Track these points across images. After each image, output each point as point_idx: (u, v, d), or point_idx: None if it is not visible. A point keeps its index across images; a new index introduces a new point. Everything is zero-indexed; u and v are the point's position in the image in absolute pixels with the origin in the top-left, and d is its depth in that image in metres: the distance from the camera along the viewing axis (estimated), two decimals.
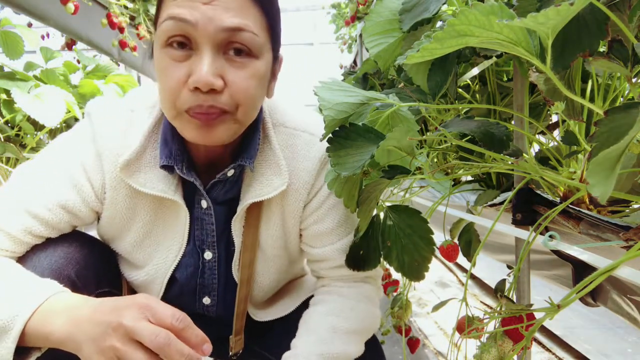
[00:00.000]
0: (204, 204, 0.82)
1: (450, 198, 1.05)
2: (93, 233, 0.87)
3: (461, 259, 1.31)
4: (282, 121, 0.84)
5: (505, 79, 0.97)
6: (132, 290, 0.91)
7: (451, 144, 0.75)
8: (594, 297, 0.74)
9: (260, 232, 0.86)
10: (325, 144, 0.67)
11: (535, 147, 0.83)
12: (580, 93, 0.63)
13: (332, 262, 0.87)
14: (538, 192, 0.70)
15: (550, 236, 0.60)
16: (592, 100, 0.67)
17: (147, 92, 0.84)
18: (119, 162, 0.75)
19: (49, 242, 0.78)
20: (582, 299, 0.73)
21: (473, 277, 2.96)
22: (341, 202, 0.82)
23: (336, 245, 0.85)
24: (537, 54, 0.43)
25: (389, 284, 1.34)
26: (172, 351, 0.54)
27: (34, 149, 2.01)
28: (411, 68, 0.73)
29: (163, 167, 0.75)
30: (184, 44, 0.66)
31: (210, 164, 0.81)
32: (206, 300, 0.90)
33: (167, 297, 0.88)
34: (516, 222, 0.71)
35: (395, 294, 1.10)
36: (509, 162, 0.62)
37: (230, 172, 0.79)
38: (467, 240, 0.99)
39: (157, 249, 0.84)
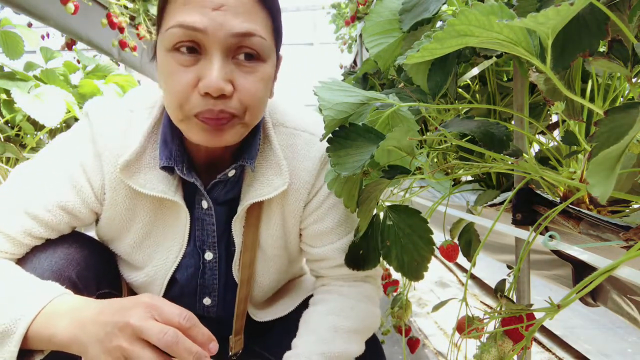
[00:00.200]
0: (204, 204, 0.82)
1: (450, 198, 1.05)
2: (92, 234, 0.87)
3: (461, 259, 1.31)
4: (282, 121, 0.84)
5: (505, 79, 0.97)
6: (132, 291, 0.91)
7: (451, 144, 0.75)
8: (594, 297, 0.74)
9: (260, 232, 0.86)
10: (326, 144, 0.67)
11: (535, 147, 0.83)
12: (580, 93, 0.63)
13: (332, 261, 0.87)
14: (538, 192, 0.70)
15: (550, 236, 0.60)
16: (592, 100, 0.67)
17: (146, 92, 0.84)
18: (118, 162, 0.74)
19: (48, 244, 0.77)
20: (582, 299, 0.73)
21: (473, 277, 2.96)
22: (341, 201, 0.82)
23: (336, 244, 0.85)
24: (537, 54, 0.43)
25: (389, 284, 1.34)
26: (180, 349, 0.54)
27: (34, 149, 2.01)
28: (411, 68, 0.73)
29: (163, 168, 0.75)
30: (193, 48, 0.65)
31: (211, 164, 0.81)
32: (206, 301, 0.90)
33: (167, 298, 0.88)
34: (516, 222, 0.71)
35: (395, 294, 1.10)
36: (509, 162, 0.62)
37: (231, 173, 0.79)
38: (467, 240, 0.99)
39: (157, 250, 0.84)
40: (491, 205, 0.84)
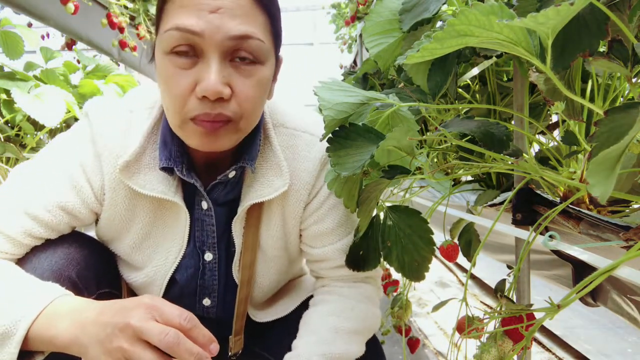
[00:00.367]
0: (204, 205, 0.82)
1: (450, 198, 1.05)
2: (92, 234, 0.87)
3: (461, 259, 1.31)
4: (282, 122, 0.84)
5: (505, 79, 0.97)
6: (132, 291, 0.91)
7: (451, 144, 0.75)
8: (594, 297, 0.74)
9: (260, 232, 0.85)
10: (326, 145, 0.67)
11: (535, 147, 0.83)
12: (580, 93, 0.63)
13: (332, 262, 0.87)
14: (538, 192, 0.70)
15: (550, 236, 0.60)
16: (592, 100, 0.67)
17: (145, 92, 0.83)
18: (118, 163, 0.74)
19: (48, 243, 0.77)
20: (582, 299, 0.73)
21: (473, 277, 2.96)
22: (341, 202, 0.82)
23: (336, 245, 0.85)
24: (537, 54, 0.43)
25: (389, 284, 1.34)
26: (181, 350, 0.54)
27: (34, 149, 2.01)
28: (411, 68, 0.73)
29: (163, 168, 0.75)
30: (190, 51, 0.65)
31: (211, 165, 0.81)
32: (206, 302, 0.90)
33: (166, 299, 0.88)
34: (516, 222, 0.71)
35: (395, 294, 1.10)
36: (509, 162, 0.62)
37: (232, 174, 0.79)
38: (467, 240, 0.99)
39: (156, 251, 0.84)
40: (491, 205, 0.84)
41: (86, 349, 0.58)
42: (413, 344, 1.11)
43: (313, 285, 0.97)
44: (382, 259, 0.76)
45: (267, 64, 0.70)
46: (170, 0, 0.66)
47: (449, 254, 0.83)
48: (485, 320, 0.61)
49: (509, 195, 0.72)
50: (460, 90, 1.03)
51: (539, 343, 2.03)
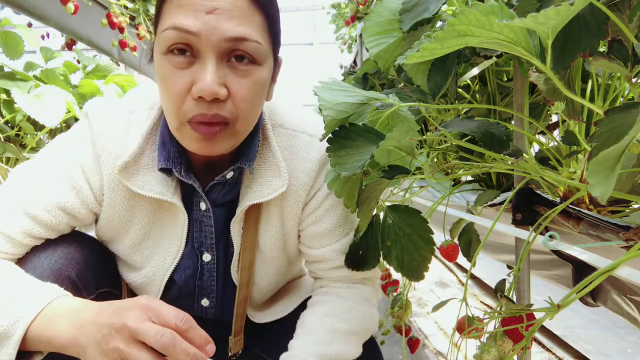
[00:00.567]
0: (202, 206, 0.82)
1: (450, 198, 1.05)
2: (92, 234, 0.87)
3: (461, 259, 1.31)
4: (281, 122, 0.84)
5: (505, 79, 0.97)
6: (132, 291, 0.91)
7: (451, 144, 0.75)
8: (594, 297, 0.74)
9: (259, 233, 0.85)
10: (324, 145, 0.67)
11: (535, 147, 0.83)
12: (580, 93, 0.63)
13: (330, 263, 0.87)
14: (538, 192, 0.70)
15: (550, 236, 0.60)
16: (592, 100, 0.67)
17: (145, 93, 0.83)
18: (117, 164, 0.74)
19: (48, 243, 0.77)
20: (582, 299, 0.73)
21: (473, 277, 2.96)
22: (340, 202, 0.82)
23: (334, 246, 0.85)
24: (537, 54, 0.43)
25: (389, 284, 1.34)
26: (177, 351, 0.54)
27: (34, 149, 2.01)
28: (411, 68, 0.73)
29: (161, 169, 0.75)
30: (187, 51, 0.65)
31: (209, 165, 0.81)
32: (205, 302, 0.90)
33: (165, 299, 0.88)
34: (516, 222, 0.71)
35: (395, 294, 1.10)
36: (509, 162, 0.62)
37: (230, 174, 0.79)
38: (467, 240, 0.99)
39: (155, 251, 0.84)
40: (491, 205, 0.84)
41: (84, 349, 0.58)
42: (413, 344, 1.11)
43: (312, 286, 0.97)
44: (381, 259, 0.76)
45: (265, 65, 0.70)
46: (168, 1, 0.66)
47: (449, 254, 0.83)
48: (485, 320, 0.61)
49: (509, 195, 0.72)
50: (460, 90, 1.03)
51: (539, 343, 2.03)
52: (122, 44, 2.43)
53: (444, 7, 0.76)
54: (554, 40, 0.41)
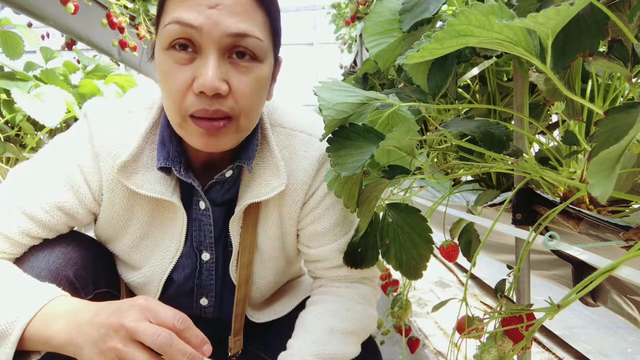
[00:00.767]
0: (202, 205, 0.82)
1: (450, 198, 1.05)
2: (91, 234, 0.87)
3: (461, 259, 1.31)
4: (280, 122, 0.84)
5: (505, 79, 0.97)
6: (130, 291, 0.91)
7: (451, 144, 0.75)
8: (594, 297, 0.74)
9: (258, 232, 0.85)
10: (323, 144, 0.67)
11: (535, 147, 0.83)
12: (580, 93, 0.63)
13: (328, 262, 0.87)
14: (538, 192, 0.70)
15: (550, 236, 0.60)
16: (592, 100, 0.67)
17: (144, 93, 0.84)
18: (116, 163, 0.74)
19: (46, 243, 0.77)
20: (582, 299, 0.73)
21: (473, 277, 2.97)
22: (338, 202, 0.82)
23: (333, 245, 0.85)
24: (537, 54, 0.43)
25: (389, 284, 1.34)
26: (174, 351, 0.54)
27: (34, 149, 2.01)
28: (411, 68, 0.73)
29: (160, 168, 0.75)
30: (188, 46, 0.65)
31: (208, 165, 0.81)
32: (203, 302, 0.90)
33: (164, 298, 0.88)
34: (516, 222, 0.71)
35: (395, 294, 1.10)
36: (509, 162, 0.62)
37: (229, 173, 0.79)
38: (467, 240, 0.99)
39: (154, 250, 0.84)
40: (491, 205, 0.84)
41: (81, 349, 0.58)
42: (413, 344, 1.11)
43: (311, 286, 0.97)
44: (380, 257, 0.76)
45: (266, 62, 0.70)
46: None
47: (449, 254, 0.83)
48: (485, 320, 0.61)
49: (509, 195, 0.72)
50: (460, 90, 1.03)
51: (539, 343, 2.03)
52: (122, 44, 2.43)
53: (444, 7, 0.76)
54: (554, 41, 0.41)
